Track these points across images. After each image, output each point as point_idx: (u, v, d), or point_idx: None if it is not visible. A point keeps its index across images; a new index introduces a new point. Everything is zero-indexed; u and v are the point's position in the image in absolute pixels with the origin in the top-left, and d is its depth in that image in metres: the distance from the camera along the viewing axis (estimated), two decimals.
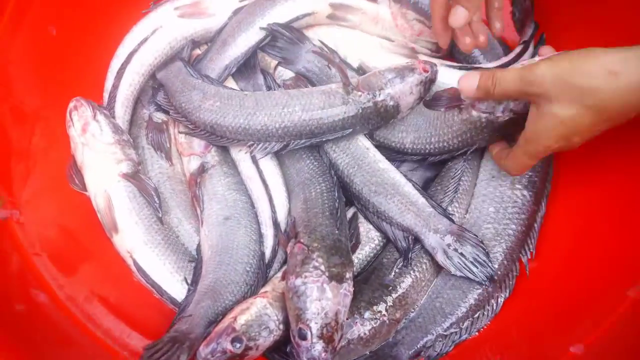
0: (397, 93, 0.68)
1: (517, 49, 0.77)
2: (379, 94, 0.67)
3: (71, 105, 0.67)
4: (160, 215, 0.66)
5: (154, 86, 0.75)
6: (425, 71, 0.68)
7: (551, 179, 0.73)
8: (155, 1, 0.79)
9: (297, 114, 0.67)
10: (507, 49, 0.80)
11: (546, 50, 0.64)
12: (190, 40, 0.75)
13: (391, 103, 0.68)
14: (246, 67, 0.75)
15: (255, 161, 0.70)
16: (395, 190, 0.68)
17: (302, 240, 0.62)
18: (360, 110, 0.67)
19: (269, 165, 0.71)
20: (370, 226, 0.70)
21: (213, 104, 0.68)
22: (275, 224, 0.67)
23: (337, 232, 0.63)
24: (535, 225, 0.70)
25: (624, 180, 0.64)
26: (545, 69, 0.53)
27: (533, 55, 0.77)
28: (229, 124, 0.67)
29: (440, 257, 0.65)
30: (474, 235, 0.66)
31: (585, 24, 0.70)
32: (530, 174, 0.70)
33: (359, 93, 0.67)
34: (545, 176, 0.72)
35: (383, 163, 0.71)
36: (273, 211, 0.68)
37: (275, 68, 0.77)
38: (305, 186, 0.69)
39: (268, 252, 0.66)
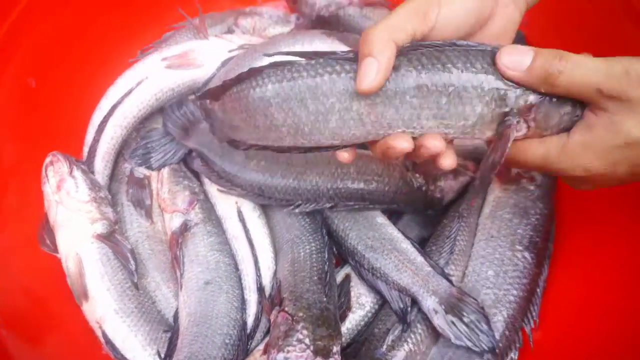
0: (447, 188, 0.69)
1: None
2: (432, 184, 0.68)
3: (47, 160, 0.64)
4: (136, 280, 0.61)
5: (187, 155, 0.71)
6: (475, 173, 0.70)
7: (553, 239, 0.69)
8: (143, 50, 0.78)
9: (351, 176, 0.66)
10: None
11: None
12: (177, 93, 0.73)
13: (438, 196, 0.69)
14: None
15: (242, 219, 0.67)
16: (393, 246, 0.65)
17: (286, 309, 0.58)
18: (412, 192, 0.68)
19: (257, 224, 0.68)
20: (361, 290, 0.66)
21: (258, 163, 0.65)
22: (260, 288, 0.63)
23: (325, 299, 0.59)
24: (538, 290, 0.66)
25: (634, 240, 0.60)
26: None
27: None
28: (277, 183, 0.65)
29: (438, 322, 0.60)
30: (475, 299, 0.62)
31: None
32: (531, 234, 0.66)
33: (417, 175, 0.68)
34: (547, 236, 0.68)
35: (380, 218, 0.68)
36: (258, 274, 0.64)
37: None
38: (294, 245, 0.65)
39: (250, 321, 0.62)
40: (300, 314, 0.57)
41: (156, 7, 0.79)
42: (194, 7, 0.79)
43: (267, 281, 0.64)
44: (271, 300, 0.61)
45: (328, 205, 0.66)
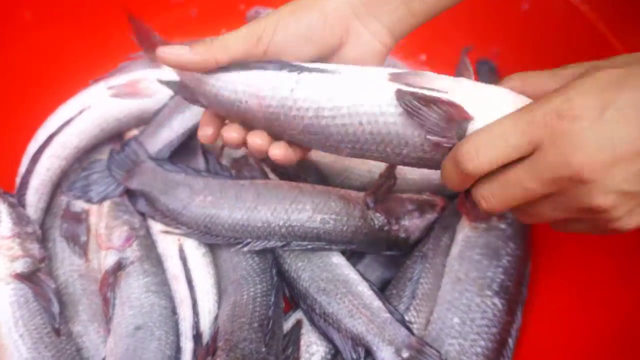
0: (412, 227, 0.65)
1: None
2: (395, 224, 0.64)
3: None
4: (57, 325, 0.56)
5: (130, 196, 0.68)
6: (443, 210, 0.66)
7: (527, 283, 0.64)
8: (96, 80, 0.75)
9: (307, 213, 0.61)
10: None
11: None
12: (124, 123, 0.70)
13: (403, 235, 0.65)
14: (185, 149, 0.69)
15: (183, 257, 0.63)
16: (347, 289, 0.60)
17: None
18: (372, 233, 0.63)
19: (199, 263, 0.63)
20: (312, 339, 0.60)
21: (204, 199, 0.62)
22: (197, 335, 0.57)
23: (264, 349, 0.53)
24: (510, 340, 0.60)
25: (615, 283, 0.56)
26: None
27: None
28: (224, 220, 0.61)
29: None
30: (437, 351, 0.56)
31: None
32: (502, 277, 0.61)
33: (377, 214, 0.63)
34: (521, 279, 0.63)
35: (337, 257, 0.63)
36: (196, 319, 0.58)
37: (222, 148, 0.71)
38: (239, 286, 0.60)
39: None
40: None
41: (113, 37, 0.77)
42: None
43: (206, 327, 0.58)
44: (206, 349, 0.55)
45: (280, 244, 0.62)
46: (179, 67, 0.44)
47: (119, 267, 0.60)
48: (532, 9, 0.68)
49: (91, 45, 0.76)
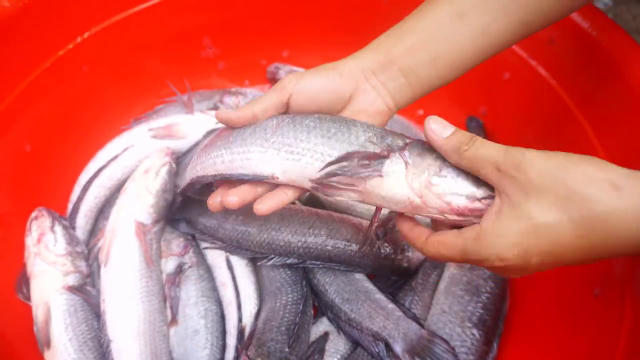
0: (414, 259, 0.72)
1: None
2: (399, 253, 0.71)
3: (33, 215, 0.70)
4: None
5: (171, 221, 0.76)
6: None
7: (504, 318, 0.71)
8: (136, 119, 0.86)
9: (321, 238, 0.70)
10: None
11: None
12: None
13: (405, 265, 0.72)
14: None
15: (230, 266, 0.72)
16: (367, 297, 0.69)
17: (248, 353, 0.61)
18: (378, 260, 0.71)
19: (244, 272, 0.72)
20: (332, 348, 0.69)
21: (236, 218, 0.71)
22: (239, 333, 0.67)
23: (287, 350, 0.62)
24: None
25: (586, 321, 0.62)
26: (536, 156, 0.40)
27: None
28: (253, 237, 0.70)
29: None
30: (445, 340, 0.65)
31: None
32: (481, 311, 0.69)
33: (386, 244, 0.71)
34: (498, 314, 0.70)
35: (359, 274, 0.72)
36: (240, 320, 0.68)
37: None
38: (274, 296, 0.69)
39: None
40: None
41: (151, 82, 0.87)
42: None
43: (247, 326, 0.68)
44: (243, 344, 0.65)
45: (297, 261, 0.70)
46: (229, 123, 0.52)
47: (180, 270, 0.70)
48: (512, 78, 0.78)
49: (131, 89, 0.86)
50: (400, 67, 0.50)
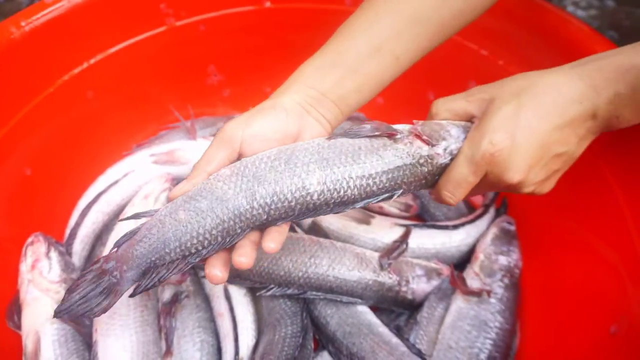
0: (418, 291, 0.71)
1: (479, 211, 0.79)
2: (404, 285, 0.70)
3: (29, 240, 0.69)
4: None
5: None
6: (447, 276, 0.71)
7: (515, 355, 0.69)
8: (139, 145, 0.86)
9: (323, 268, 0.68)
10: (472, 209, 0.82)
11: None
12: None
13: (410, 297, 0.71)
14: None
15: (228, 296, 0.69)
16: (370, 330, 0.67)
17: None
18: (382, 291, 0.69)
19: (242, 302, 0.70)
20: None
21: None
22: None
23: None
24: None
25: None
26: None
27: (494, 218, 0.78)
28: (252, 267, 0.65)
29: None
30: None
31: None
32: (490, 348, 0.66)
33: (389, 275, 0.69)
34: (508, 351, 0.68)
35: (361, 306, 0.70)
36: (237, 353, 0.65)
37: None
38: (273, 327, 0.67)
39: None
40: None
41: (156, 108, 0.87)
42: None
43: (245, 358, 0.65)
44: None
45: (297, 292, 0.68)
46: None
47: (176, 299, 0.68)
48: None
49: (135, 115, 0.87)
50: (332, 99, 0.54)
